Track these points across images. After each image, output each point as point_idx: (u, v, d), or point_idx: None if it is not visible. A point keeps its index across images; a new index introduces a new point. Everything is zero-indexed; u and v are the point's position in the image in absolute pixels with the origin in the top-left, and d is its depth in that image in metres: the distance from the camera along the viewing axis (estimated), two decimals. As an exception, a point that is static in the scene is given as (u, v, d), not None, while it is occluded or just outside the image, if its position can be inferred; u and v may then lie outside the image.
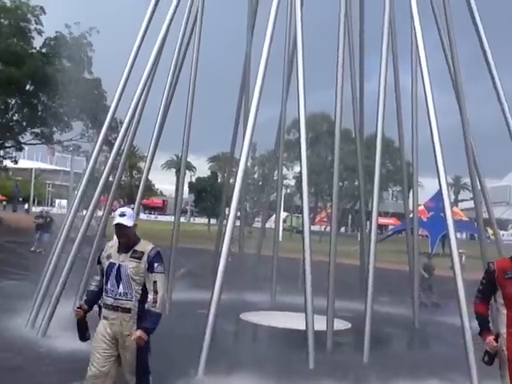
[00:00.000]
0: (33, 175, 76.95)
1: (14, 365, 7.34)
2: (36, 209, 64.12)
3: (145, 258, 5.05)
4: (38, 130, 38.13)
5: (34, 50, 35.60)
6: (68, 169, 64.72)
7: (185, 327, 9.91)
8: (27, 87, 35.47)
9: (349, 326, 11.20)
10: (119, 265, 5.07)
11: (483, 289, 4.94)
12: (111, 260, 5.13)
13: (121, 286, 5.01)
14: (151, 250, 5.12)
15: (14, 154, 41.24)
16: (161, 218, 76.00)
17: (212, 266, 10.46)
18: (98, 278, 5.31)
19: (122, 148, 11.19)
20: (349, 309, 11.84)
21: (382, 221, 70.21)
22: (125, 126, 10.53)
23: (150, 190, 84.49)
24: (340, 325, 11.27)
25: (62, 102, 35.13)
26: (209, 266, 12.61)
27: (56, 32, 36.96)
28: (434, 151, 8.81)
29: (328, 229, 57.04)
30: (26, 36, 34.97)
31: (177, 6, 10.87)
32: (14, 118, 37.06)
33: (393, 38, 11.88)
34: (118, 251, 5.14)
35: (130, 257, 5.07)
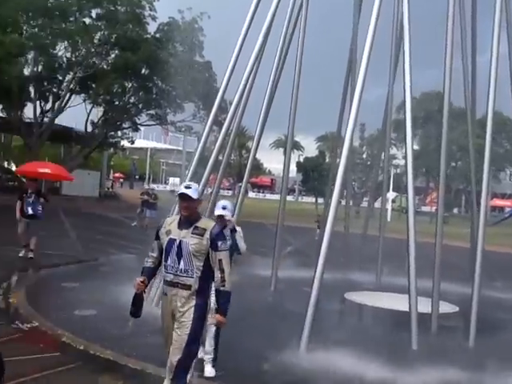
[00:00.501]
0: (148, 154, 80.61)
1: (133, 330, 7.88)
2: (151, 186, 67.29)
3: (207, 235, 4.91)
4: (152, 112, 39.99)
5: (148, 36, 37.20)
6: (181, 148, 67.25)
7: (289, 304, 10.15)
8: (142, 71, 37.19)
9: (456, 309, 10.94)
10: (180, 241, 4.92)
11: None
12: (171, 236, 4.98)
13: (181, 263, 4.89)
14: (214, 227, 4.99)
15: (130, 135, 43.50)
16: (269, 196, 77.16)
17: (317, 244, 10.57)
18: (154, 254, 5.18)
19: (231, 128, 11.55)
20: (459, 292, 11.57)
21: (499, 203, 67.14)
22: (233, 106, 10.88)
23: (258, 168, 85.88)
24: (447, 308, 11.08)
25: (175, 84, 36.53)
26: (315, 244, 12.76)
27: (169, 18, 38.43)
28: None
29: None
30: (140, 22, 36.54)
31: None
32: (131, 100, 39.01)
33: (506, 5, 11.32)
34: (179, 227, 4.99)
35: (192, 233, 4.92)
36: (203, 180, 10.60)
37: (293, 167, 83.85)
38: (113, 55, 37.26)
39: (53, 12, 33.09)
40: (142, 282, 5.01)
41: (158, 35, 37.98)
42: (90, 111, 38.92)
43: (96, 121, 39.51)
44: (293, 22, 12.29)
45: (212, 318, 5.17)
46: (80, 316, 8.59)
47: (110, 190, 26.00)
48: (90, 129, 39.46)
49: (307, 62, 12.70)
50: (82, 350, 7.01)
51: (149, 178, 77.39)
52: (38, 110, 36.89)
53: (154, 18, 37.40)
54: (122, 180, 42.86)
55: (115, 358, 6.73)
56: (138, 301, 5.10)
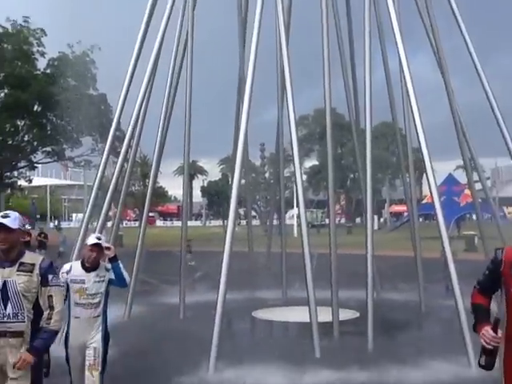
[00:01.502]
0: (48, 192, 78.06)
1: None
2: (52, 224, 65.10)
3: (36, 270, 4.29)
4: (48, 149, 38.90)
5: (38, 72, 36.37)
6: (82, 183, 65.64)
7: (198, 329, 10.28)
8: (35, 108, 36.22)
9: (357, 314, 11.59)
10: (4, 281, 4.22)
11: (484, 279, 3.85)
12: None
13: (9, 307, 4.18)
14: (42, 260, 4.38)
15: (27, 174, 42.09)
16: (177, 223, 76.68)
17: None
18: None
19: (128, 156, 11.73)
20: (361, 298, 12.20)
21: (397, 208, 70.33)
22: (128, 134, 11.12)
23: (163, 196, 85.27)
24: (348, 314, 11.71)
25: (70, 119, 35.88)
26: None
27: (59, 52, 37.73)
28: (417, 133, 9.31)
29: (342, 221, 57.11)
30: (29, 59, 35.72)
31: (169, 18, 11.49)
32: (25, 138, 37.86)
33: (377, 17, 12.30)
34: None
35: (18, 270, 4.26)
36: (103, 211, 10.64)
37: (198, 192, 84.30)
38: (2, 94, 36.12)
39: None
40: None
41: (48, 71, 37.22)
42: (-18, 152, 37.41)
43: (-12, 162, 37.99)
44: (181, 50, 12.68)
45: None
46: None
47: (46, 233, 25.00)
48: (-18, 171, 37.89)
49: (201, 83, 13.12)
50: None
51: (50, 217, 74.89)
52: None
53: (42, 54, 36.67)
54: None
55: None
56: None
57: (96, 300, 5.55)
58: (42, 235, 24.52)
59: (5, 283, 4.20)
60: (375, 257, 12.75)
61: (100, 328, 5.58)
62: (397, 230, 44.87)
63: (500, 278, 3.73)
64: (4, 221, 4.21)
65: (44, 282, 4.29)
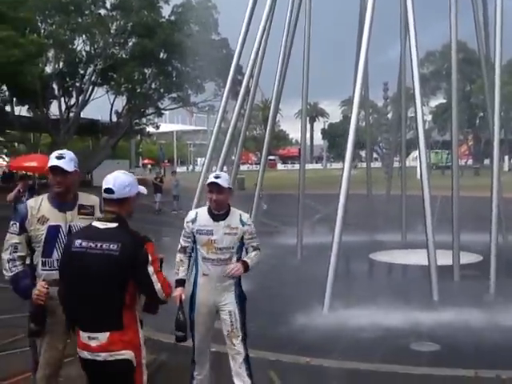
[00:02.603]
0: (174, 137, 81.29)
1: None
2: (181, 169, 67.99)
3: (97, 212, 3.97)
4: (174, 95, 40.38)
5: (163, 20, 37.46)
6: (206, 128, 67.70)
7: (314, 270, 10.46)
8: (161, 56, 37.55)
9: (480, 258, 11.21)
10: (69, 226, 3.89)
11: None
12: (50, 223, 3.88)
13: None
14: (101, 201, 3.86)
15: (155, 120, 44.10)
16: (298, 166, 76.98)
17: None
18: (22, 253, 3.91)
19: (247, 100, 11.89)
20: (484, 242, 11.79)
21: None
22: (247, 75, 11.21)
23: (284, 139, 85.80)
24: (471, 258, 11.36)
25: (194, 65, 36.82)
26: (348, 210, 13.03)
27: (182, -1, 38.58)
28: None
29: (470, 162, 54.49)
30: (154, 7, 36.89)
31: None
32: (152, 86, 39.44)
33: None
34: (59, 210, 3.92)
35: (80, 214, 3.95)
36: (222, 154, 10.92)
37: (319, 134, 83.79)
38: (130, 43, 37.73)
39: (68, 8, 33.67)
40: (47, 289, 3.70)
41: (172, 18, 38.24)
42: (114, 101, 39.68)
43: (120, 110, 40.18)
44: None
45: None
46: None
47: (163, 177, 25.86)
48: (114, 119, 40.17)
49: (321, 27, 12.87)
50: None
51: (177, 161, 78.08)
52: (63, 106, 37.70)
53: (167, 2, 37.70)
54: (149, 166, 43.35)
55: (147, 333, 6.93)
56: (41, 315, 3.75)
57: (227, 255, 4.63)
58: (158, 179, 25.19)
59: (69, 228, 3.88)
60: (504, 199, 12.25)
61: (233, 288, 4.71)
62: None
63: None
64: (59, 163, 3.83)
65: None
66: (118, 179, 3.49)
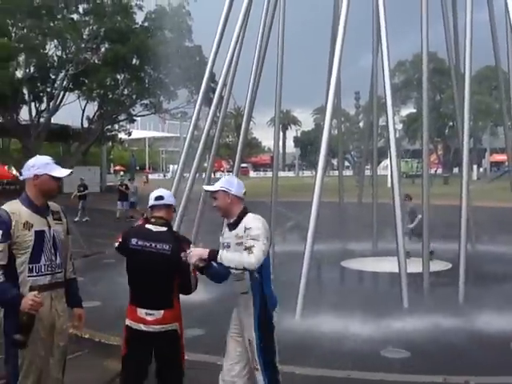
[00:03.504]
0: (146, 144, 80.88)
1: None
2: (152, 176, 67.60)
3: (63, 218, 4.20)
4: (147, 102, 40.15)
5: (136, 26, 37.32)
6: (179, 135, 67.47)
7: (287, 276, 10.48)
8: (133, 62, 37.35)
9: (449, 266, 11.37)
10: (53, 230, 4.03)
11: None
12: (36, 228, 3.92)
13: (58, 257, 4.05)
14: (61, 208, 4.24)
15: (127, 127, 43.80)
16: (270, 174, 77.15)
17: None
18: (2, 262, 3.79)
19: (220, 107, 11.88)
20: (454, 250, 11.96)
21: (499, 157, 67.07)
22: (220, 82, 11.21)
23: (257, 147, 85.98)
24: (441, 266, 11.51)
25: (167, 72, 36.70)
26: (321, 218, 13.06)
27: (156, 5, 38.51)
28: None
29: (439, 171, 55.21)
30: (128, 13, 36.72)
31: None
32: (124, 92, 39.20)
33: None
34: (40, 214, 3.99)
35: (54, 219, 4.08)
36: (195, 162, 10.90)
37: (291, 142, 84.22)
38: (103, 49, 37.43)
39: (40, 12, 33.26)
40: (39, 298, 3.73)
41: (146, 24, 38.11)
42: (85, 107, 39.22)
43: (92, 116, 39.79)
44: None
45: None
46: (85, 307, 8.87)
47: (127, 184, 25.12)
48: (86, 125, 39.76)
49: (295, 34, 12.98)
50: (87, 338, 7.30)
51: (148, 168, 77.65)
52: (34, 111, 37.19)
53: (140, 8, 37.55)
54: (122, 173, 42.61)
55: (119, 342, 7.05)
56: (32, 325, 3.74)
57: (237, 271, 4.20)
58: (123, 186, 24.88)
59: (53, 233, 4.02)
60: (472, 207, 12.46)
61: (252, 311, 4.27)
62: (497, 180, 42.94)
63: None
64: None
65: (69, 230, 4.25)
66: (164, 190, 4.68)
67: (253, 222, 4.23)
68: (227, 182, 4.41)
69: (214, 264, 4.16)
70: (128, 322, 4.48)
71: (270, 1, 12.32)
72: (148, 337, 4.41)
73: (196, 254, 4.14)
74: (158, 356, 4.50)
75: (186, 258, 4.19)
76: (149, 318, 4.37)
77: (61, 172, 4.04)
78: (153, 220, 4.52)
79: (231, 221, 4.36)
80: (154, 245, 4.39)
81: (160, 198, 4.53)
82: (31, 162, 4.01)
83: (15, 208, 3.89)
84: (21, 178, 4.01)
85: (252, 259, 4.04)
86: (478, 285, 9.65)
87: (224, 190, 4.35)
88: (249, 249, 4.07)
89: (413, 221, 12.74)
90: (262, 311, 4.24)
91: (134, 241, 4.44)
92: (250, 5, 11.37)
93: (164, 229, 4.47)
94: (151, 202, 4.54)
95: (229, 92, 12.18)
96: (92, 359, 6.97)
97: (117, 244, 4.61)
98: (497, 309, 7.62)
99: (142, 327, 4.40)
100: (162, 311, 4.39)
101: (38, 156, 4.15)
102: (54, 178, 3.99)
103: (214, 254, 4.10)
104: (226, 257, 4.09)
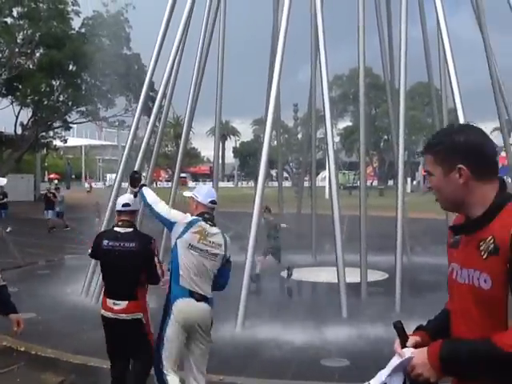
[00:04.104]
0: (83, 152, 79.21)
1: (72, 326, 8.14)
2: (96, 185, 66.20)
3: None
4: (83, 109, 39.31)
5: (73, 32, 36.53)
6: (116, 143, 66.49)
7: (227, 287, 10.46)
8: (70, 68, 36.52)
9: (386, 276, 11.64)
10: None
11: None
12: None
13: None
14: None
15: (63, 134, 42.71)
16: (208, 184, 77.14)
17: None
18: None
19: (160, 116, 11.79)
20: (390, 261, 12.24)
21: (431, 171, 69.34)
22: (160, 92, 11.13)
23: (196, 157, 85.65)
24: (377, 276, 11.77)
25: (104, 79, 36.09)
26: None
27: (93, 11, 37.84)
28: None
29: (375, 183, 56.57)
30: (64, 18, 35.86)
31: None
32: (60, 98, 38.25)
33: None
34: None
35: None
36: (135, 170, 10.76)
37: (230, 153, 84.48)
38: (38, 54, 36.46)
39: (-28, 14, 32.15)
40: None
41: (83, 30, 37.39)
42: (19, 113, 38.01)
43: (25, 122, 38.62)
44: (214, 6, 12.55)
45: None
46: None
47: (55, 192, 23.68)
48: (19, 131, 38.53)
49: (235, 45, 13.07)
50: (23, 351, 7.15)
51: (85, 177, 76.07)
52: (-37, 116, 35.82)
53: (77, 13, 36.79)
54: (56, 181, 40.95)
55: (56, 355, 6.92)
56: None
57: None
58: (51, 194, 23.82)
59: None
60: (407, 219, 12.80)
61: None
62: (430, 193, 44.45)
63: None
64: None
65: None
66: (131, 197, 5.46)
67: None
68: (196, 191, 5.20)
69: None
70: (102, 311, 5.29)
71: (211, 11, 12.39)
72: (116, 323, 5.18)
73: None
74: (127, 340, 5.21)
75: None
76: (115, 308, 5.14)
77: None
78: (120, 223, 5.36)
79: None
80: (122, 244, 5.21)
81: (127, 205, 5.37)
82: None
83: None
84: None
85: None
86: (414, 295, 9.90)
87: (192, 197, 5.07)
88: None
89: (273, 237, 11.87)
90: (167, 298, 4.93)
91: (105, 242, 5.29)
92: (190, 15, 11.37)
93: (130, 230, 5.32)
94: (118, 207, 5.43)
95: (169, 102, 12.13)
96: (28, 373, 6.76)
97: (90, 251, 5.52)
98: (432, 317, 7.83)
99: (110, 315, 5.19)
100: (127, 302, 5.13)
101: None
102: None
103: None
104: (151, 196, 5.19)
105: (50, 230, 22.37)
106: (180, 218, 4.87)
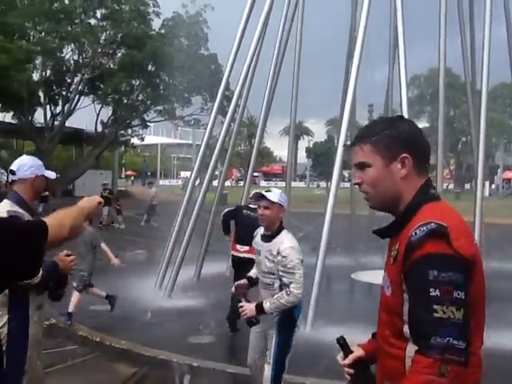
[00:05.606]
0: (159, 150, 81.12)
1: (145, 320, 8.36)
2: (163, 181, 67.76)
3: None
4: (160, 108, 40.33)
5: (153, 32, 37.51)
6: (191, 142, 67.77)
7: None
8: (149, 68, 37.53)
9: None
10: None
11: None
12: None
13: None
14: None
15: (140, 132, 43.95)
16: (280, 184, 77.26)
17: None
18: None
19: (235, 116, 11.93)
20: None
21: (511, 175, 66.76)
22: (236, 94, 11.29)
23: (268, 156, 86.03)
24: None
25: (182, 79, 36.86)
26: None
27: (173, 12, 38.75)
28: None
29: (451, 186, 54.85)
30: (145, 19, 36.90)
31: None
32: (139, 98, 39.35)
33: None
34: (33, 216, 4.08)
35: None
36: (209, 170, 10.97)
37: (303, 153, 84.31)
38: (119, 54, 37.67)
39: (58, 16, 33.61)
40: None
41: (162, 31, 38.34)
42: (100, 111, 39.45)
43: (106, 120, 39.98)
44: (292, 8, 12.59)
45: None
46: (96, 311, 8.91)
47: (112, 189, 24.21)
48: (100, 129, 39.93)
49: (310, 46, 13.13)
50: (98, 341, 7.39)
51: (160, 174, 77.85)
52: (49, 114, 37.40)
53: (157, 15, 37.80)
54: (132, 178, 42.23)
55: (129, 346, 7.12)
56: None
57: (268, 280, 4.45)
58: (107, 191, 24.05)
59: None
60: (484, 224, 12.31)
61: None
62: (509, 197, 42.73)
63: None
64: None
65: None
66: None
67: (287, 248, 4.28)
68: (282, 197, 4.46)
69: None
70: None
71: (289, 12, 12.43)
72: None
73: (250, 311, 4.29)
74: None
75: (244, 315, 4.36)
76: None
77: (51, 174, 3.99)
78: None
79: (268, 233, 4.42)
80: None
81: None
82: (27, 161, 3.83)
83: (15, 210, 3.57)
84: (15, 177, 3.75)
85: (291, 298, 4.23)
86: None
87: (281, 205, 4.40)
88: (287, 286, 4.23)
89: None
90: (289, 312, 4.38)
91: None
92: (268, 15, 11.44)
93: None
94: None
95: (244, 102, 12.24)
96: (102, 363, 7.01)
97: None
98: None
99: None
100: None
101: (27, 156, 4.07)
102: (46, 179, 3.93)
103: (260, 309, 4.27)
104: (270, 308, 4.25)
105: (106, 226, 22.46)
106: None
